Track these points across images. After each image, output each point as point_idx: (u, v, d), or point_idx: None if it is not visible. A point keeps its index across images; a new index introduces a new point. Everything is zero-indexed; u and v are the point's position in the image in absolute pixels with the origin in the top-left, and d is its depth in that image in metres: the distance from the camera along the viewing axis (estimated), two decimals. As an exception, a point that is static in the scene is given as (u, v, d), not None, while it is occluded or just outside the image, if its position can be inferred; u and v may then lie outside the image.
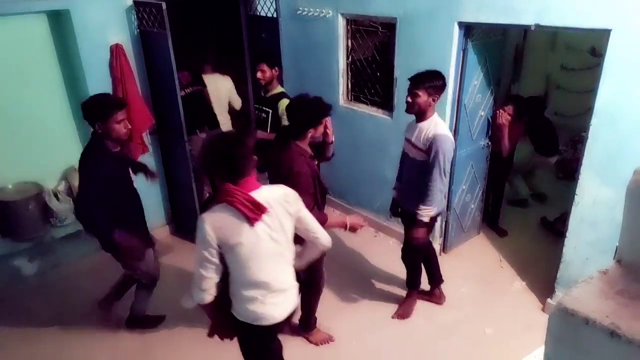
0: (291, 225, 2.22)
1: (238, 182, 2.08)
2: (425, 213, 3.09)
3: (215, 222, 2.08)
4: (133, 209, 3.17)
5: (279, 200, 2.16)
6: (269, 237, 2.13)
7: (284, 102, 3.70)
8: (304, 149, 2.74)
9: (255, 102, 4.04)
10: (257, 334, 2.34)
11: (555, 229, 4.39)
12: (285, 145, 2.73)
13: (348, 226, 2.88)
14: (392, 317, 3.64)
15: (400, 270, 4.15)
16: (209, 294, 2.18)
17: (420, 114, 3.06)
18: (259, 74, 3.88)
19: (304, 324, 3.40)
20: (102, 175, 2.81)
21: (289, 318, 2.40)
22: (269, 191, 2.17)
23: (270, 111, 3.92)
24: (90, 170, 2.81)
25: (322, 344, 3.40)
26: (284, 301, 2.30)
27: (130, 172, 3.23)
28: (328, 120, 2.84)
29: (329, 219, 2.79)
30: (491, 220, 4.76)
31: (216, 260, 2.13)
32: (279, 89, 3.98)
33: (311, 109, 2.72)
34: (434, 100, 3.01)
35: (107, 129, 2.83)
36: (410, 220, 3.26)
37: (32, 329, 3.61)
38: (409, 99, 3.03)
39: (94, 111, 2.82)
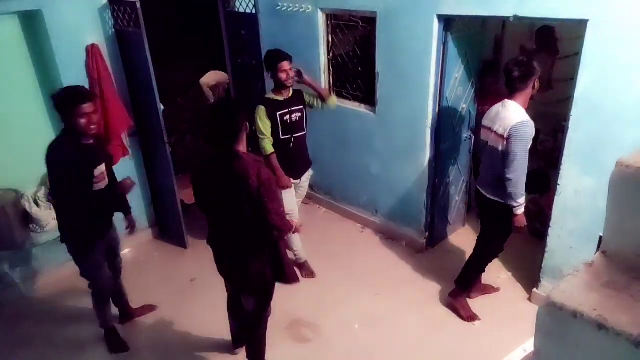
0: None
1: None
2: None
3: None
4: (90, 208, 2.96)
5: None
6: None
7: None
8: (248, 154, 2.56)
9: (273, 110, 3.57)
10: None
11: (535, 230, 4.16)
12: (230, 154, 2.47)
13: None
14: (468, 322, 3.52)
15: (386, 266, 4.17)
16: None
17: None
18: (283, 75, 3.53)
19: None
20: (62, 162, 2.77)
21: None
22: None
23: (302, 107, 3.75)
24: (51, 158, 2.79)
25: None
26: None
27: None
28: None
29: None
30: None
31: None
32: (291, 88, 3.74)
33: (234, 109, 2.56)
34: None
35: (71, 122, 2.76)
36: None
37: (16, 339, 3.54)
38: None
39: (58, 103, 2.76)
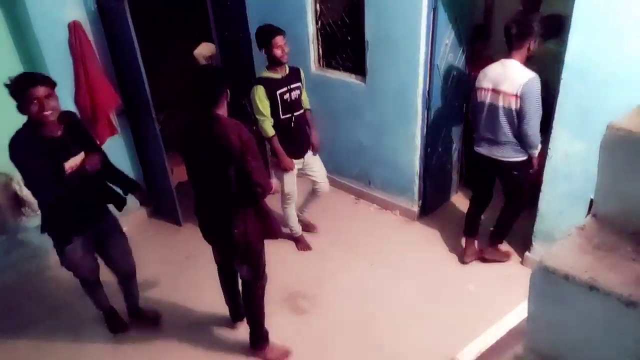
0: None
1: None
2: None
3: None
4: (63, 203, 2.74)
5: None
6: None
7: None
8: (228, 117, 2.62)
9: (271, 88, 3.44)
10: None
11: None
12: (211, 118, 2.52)
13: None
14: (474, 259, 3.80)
15: (381, 236, 4.21)
16: None
17: None
18: (277, 51, 3.39)
19: (254, 339, 3.08)
20: (23, 156, 2.57)
21: None
22: None
23: (300, 84, 3.63)
24: (13, 154, 2.57)
25: None
26: None
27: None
28: None
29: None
30: (467, 179, 4.80)
31: None
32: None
33: (216, 74, 2.66)
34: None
35: (26, 111, 2.55)
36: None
37: (14, 324, 3.57)
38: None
39: (12, 90, 2.54)
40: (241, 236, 2.69)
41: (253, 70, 4.50)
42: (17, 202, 3.89)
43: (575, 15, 2.85)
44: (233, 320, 3.35)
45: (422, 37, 3.62)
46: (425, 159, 4.15)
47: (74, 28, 3.70)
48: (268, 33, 3.41)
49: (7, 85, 2.54)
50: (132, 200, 4.58)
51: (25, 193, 3.88)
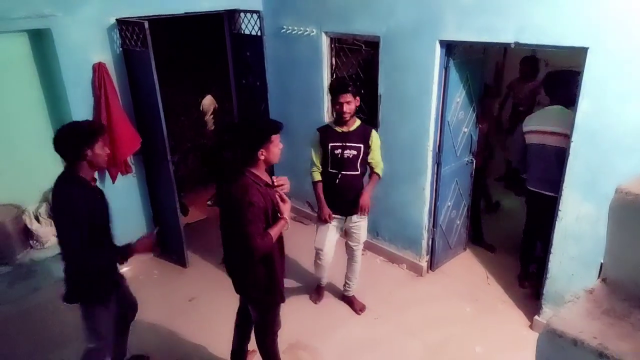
0: None
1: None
2: None
3: None
4: (109, 249, 2.73)
5: None
6: None
7: (375, 135, 3.44)
8: (258, 176, 2.57)
9: (326, 139, 3.41)
10: None
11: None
12: (238, 174, 2.56)
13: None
14: None
15: (386, 289, 4.12)
16: None
17: None
18: (337, 107, 3.32)
19: None
20: (85, 213, 2.46)
21: None
22: None
23: (362, 146, 3.40)
24: (74, 209, 2.45)
25: None
26: None
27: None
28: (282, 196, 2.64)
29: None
30: (475, 236, 4.78)
31: None
32: (357, 121, 3.45)
33: (258, 126, 2.68)
34: None
35: (94, 155, 2.51)
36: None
37: (11, 355, 3.50)
38: None
39: (77, 137, 2.48)
40: (251, 286, 2.73)
41: (268, 117, 4.61)
42: (26, 235, 3.92)
43: (585, 79, 2.91)
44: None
45: (434, 94, 3.71)
46: (434, 214, 4.14)
47: (99, 69, 3.84)
48: (335, 88, 3.36)
49: (66, 133, 2.48)
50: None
51: (35, 226, 3.92)
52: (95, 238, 2.51)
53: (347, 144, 3.39)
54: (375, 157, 3.50)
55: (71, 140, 2.48)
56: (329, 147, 3.41)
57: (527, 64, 5.30)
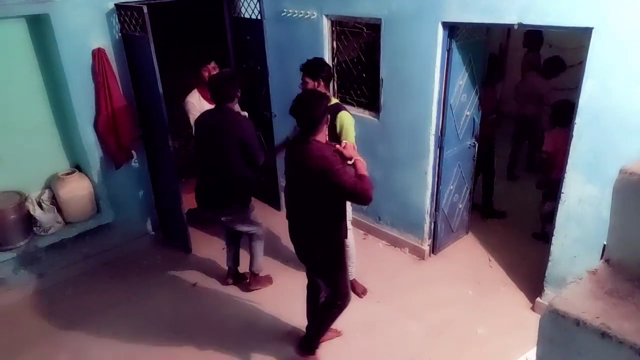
0: None
1: None
2: None
3: None
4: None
5: None
6: None
7: (344, 116, 3.35)
8: (321, 142, 2.72)
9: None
10: None
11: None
12: (307, 143, 2.67)
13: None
14: None
15: (388, 273, 4.15)
16: None
17: None
18: (301, 87, 3.43)
19: (306, 345, 3.29)
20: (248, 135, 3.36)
21: None
22: None
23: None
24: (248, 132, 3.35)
25: None
26: None
27: None
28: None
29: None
30: (485, 206, 4.89)
31: None
32: (333, 101, 3.42)
33: (320, 101, 2.73)
34: None
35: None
36: None
37: (17, 340, 3.54)
38: None
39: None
40: (321, 259, 2.87)
41: (269, 102, 4.59)
42: (29, 221, 3.93)
43: (590, 60, 2.88)
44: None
45: (436, 77, 3.68)
46: (436, 198, 4.13)
47: (98, 54, 3.82)
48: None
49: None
50: (141, 226, 4.64)
51: (38, 213, 3.93)
52: (246, 157, 3.34)
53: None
54: (349, 140, 3.27)
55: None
56: (295, 127, 3.45)
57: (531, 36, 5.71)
